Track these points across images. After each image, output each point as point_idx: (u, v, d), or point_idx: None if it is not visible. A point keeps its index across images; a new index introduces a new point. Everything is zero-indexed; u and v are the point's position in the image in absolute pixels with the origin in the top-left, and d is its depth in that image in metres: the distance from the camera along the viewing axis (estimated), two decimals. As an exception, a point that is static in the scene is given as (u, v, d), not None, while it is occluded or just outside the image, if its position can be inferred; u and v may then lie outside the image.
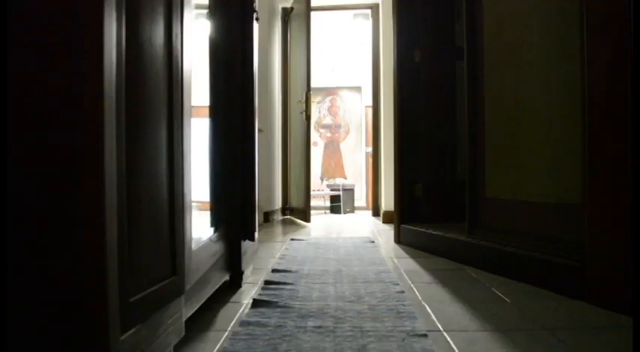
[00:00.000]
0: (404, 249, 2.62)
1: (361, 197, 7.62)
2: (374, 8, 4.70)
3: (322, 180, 7.95)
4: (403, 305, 1.45)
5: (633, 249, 1.32)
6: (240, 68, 1.71)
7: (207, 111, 1.59)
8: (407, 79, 2.90)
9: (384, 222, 4.12)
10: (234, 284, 1.72)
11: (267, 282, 1.75)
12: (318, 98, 8.41)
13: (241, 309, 1.46)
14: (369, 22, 4.84)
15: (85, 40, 0.65)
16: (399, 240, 2.84)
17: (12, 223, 0.65)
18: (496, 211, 2.08)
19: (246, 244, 1.74)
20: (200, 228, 1.41)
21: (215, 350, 1.12)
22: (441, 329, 1.27)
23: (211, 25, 1.59)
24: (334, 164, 8.29)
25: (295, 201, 4.52)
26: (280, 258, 2.30)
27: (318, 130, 8.58)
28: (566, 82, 1.70)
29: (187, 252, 1.03)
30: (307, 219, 4.07)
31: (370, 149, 5.68)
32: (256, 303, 1.47)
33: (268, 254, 2.46)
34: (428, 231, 2.51)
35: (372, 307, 1.43)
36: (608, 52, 1.45)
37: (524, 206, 1.91)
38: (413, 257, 2.38)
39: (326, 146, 8.57)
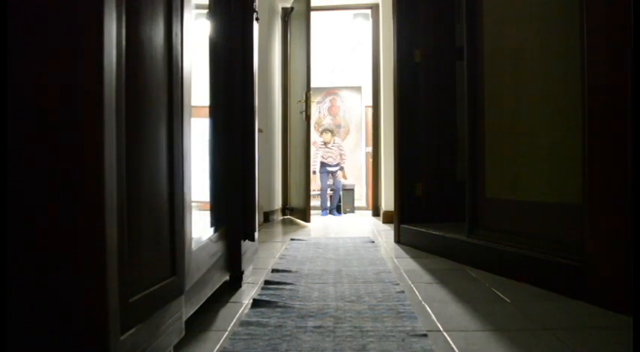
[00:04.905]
0: (404, 249, 2.62)
1: (361, 197, 7.62)
2: (374, 8, 4.70)
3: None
4: (403, 305, 1.45)
5: (633, 249, 1.32)
6: (240, 68, 1.71)
7: (207, 111, 1.59)
8: (407, 79, 2.90)
9: (384, 222, 4.12)
10: (234, 284, 1.72)
11: (267, 282, 1.75)
12: (318, 98, 8.42)
13: (241, 309, 1.46)
14: (369, 22, 4.84)
15: (85, 40, 0.65)
16: (399, 240, 2.84)
17: (12, 223, 0.65)
18: (496, 211, 2.08)
19: (246, 244, 1.74)
20: (200, 228, 1.41)
21: (215, 350, 1.12)
22: (441, 329, 1.27)
23: (211, 25, 1.59)
24: (334, 164, 8.26)
25: (295, 201, 4.52)
26: (280, 258, 2.30)
27: (318, 130, 8.59)
28: (566, 82, 1.70)
29: (187, 252, 1.03)
30: (307, 219, 4.07)
31: (370, 149, 5.68)
32: (256, 303, 1.47)
33: (268, 254, 2.46)
34: (428, 231, 2.51)
35: (372, 307, 1.43)
36: (608, 52, 1.45)
37: (524, 206, 1.91)
38: (413, 257, 2.38)
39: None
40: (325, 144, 5.84)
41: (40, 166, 0.65)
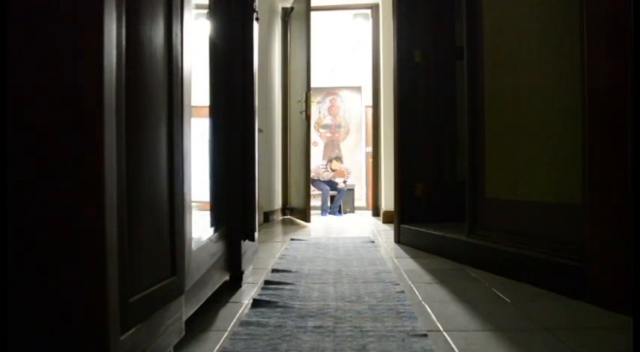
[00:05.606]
0: (404, 249, 2.62)
1: (361, 197, 7.62)
2: (374, 8, 4.70)
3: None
4: (403, 305, 1.45)
5: (633, 249, 1.32)
6: (240, 68, 1.71)
7: (207, 111, 1.59)
8: (407, 79, 2.90)
9: (384, 222, 4.12)
10: (234, 284, 1.72)
11: (267, 282, 1.75)
12: (318, 98, 8.42)
13: (241, 309, 1.46)
14: (369, 22, 4.84)
15: (85, 40, 0.65)
16: (399, 240, 2.84)
17: (12, 223, 0.65)
18: (496, 211, 2.08)
19: (246, 244, 1.74)
20: (200, 228, 1.41)
21: (215, 350, 1.12)
22: (441, 329, 1.27)
23: (211, 25, 1.59)
24: (334, 164, 8.26)
25: (295, 201, 4.52)
26: (280, 258, 2.30)
27: (318, 130, 8.59)
28: (566, 82, 1.70)
29: (187, 252, 1.03)
30: (307, 219, 4.07)
31: (370, 149, 5.68)
32: (256, 303, 1.47)
33: (268, 254, 2.46)
34: (428, 231, 2.51)
35: (372, 307, 1.43)
36: (608, 52, 1.45)
37: (524, 206, 1.91)
38: (413, 257, 2.38)
39: (326, 146, 8.57)
40: (332, 170, 5.95)
41: (40, 166, 0.65)
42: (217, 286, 1.48)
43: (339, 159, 6.14)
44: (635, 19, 1.32)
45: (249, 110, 1.73)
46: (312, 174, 5.69)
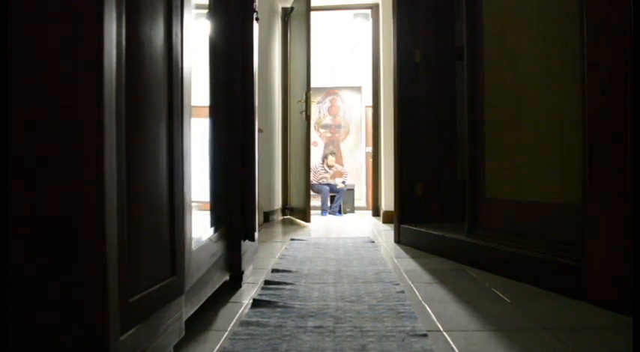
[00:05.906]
0: (404, 249, 2.62)
1: (361, 197, 7.62)
2: (374, 8, 4.70)
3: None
4: (403, 305, 1.45)
5: (633, 249, 1.32)
6: (240, 68, 1.71)
7: (207, 111, 1.59)
8: (407, 79, 2.90)
9: (384, 222, 4.12)
10: (234, 284, 1.72)
11: (267, 282, 1.75)
12: (318, 98, 8.41)
13: (241, 309, 1.46)
14: (369, 22, 4.84)
15: (85, 40, 0.65)
16: (399, 240, 2.84)
17: (12, 224, 0.65)
18: (496, 211, 2.08)
19: (246, 244, 1.74)
20: (200, 228, 1.41)
21: (215, 350, 1.12)
22: (441, 329, 1.27)
23: (211, 25, 1.59)
24: (334, 164, 8.25)
25: (295, 201, 4.52)
26: (280, 258, 2.30)
27: (318, 130, 8.59)
28: (565, 82, 1.70)
29: (187, 252, 1.03)
30: (307, 219, 4.07)
31: (370, 149, 5.68)
32: (256, 303, 1.47)
33: (268, 254, 2.46)
34: (428, 231, 2.51)
35: (372, 307, 1.43)
36: (608, 53, 1.45)
37: (524, 206, 1.91)
38: (413, 257, 2.38)
39: (326, 146, 8.56)
40: (329, 167, 5.96)
41: (40, 167, 0.65)
42: (217, 286, 1.48)
43: (333, 154, 6.16)
44: (635, 19, 1.32)
45: (249, 110, 1.73)
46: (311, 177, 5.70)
